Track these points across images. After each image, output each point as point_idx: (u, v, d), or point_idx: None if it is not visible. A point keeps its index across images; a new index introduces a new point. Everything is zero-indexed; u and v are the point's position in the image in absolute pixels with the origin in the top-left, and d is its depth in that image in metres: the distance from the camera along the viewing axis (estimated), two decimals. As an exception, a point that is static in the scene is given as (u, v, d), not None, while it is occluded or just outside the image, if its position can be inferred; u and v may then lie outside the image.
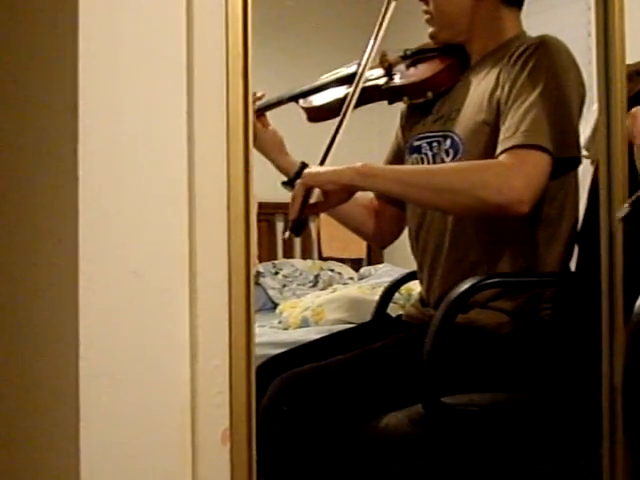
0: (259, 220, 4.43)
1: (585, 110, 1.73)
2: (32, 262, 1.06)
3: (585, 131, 2.29)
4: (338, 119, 1.80)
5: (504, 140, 1.60)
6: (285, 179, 1.92)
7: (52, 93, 1.02)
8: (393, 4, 1.81)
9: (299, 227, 1.73)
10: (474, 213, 1.65)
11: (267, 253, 4.69)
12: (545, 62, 1.63)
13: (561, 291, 1.73)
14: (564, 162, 1.62)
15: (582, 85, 1.68)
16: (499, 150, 1.60)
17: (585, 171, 2.14)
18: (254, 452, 1.08)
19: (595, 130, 2.03)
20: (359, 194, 1.84)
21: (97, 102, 0.97)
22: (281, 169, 1.96)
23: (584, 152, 2.29)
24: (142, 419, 0.99)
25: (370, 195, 2.03)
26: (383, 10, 1.83)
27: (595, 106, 1.59)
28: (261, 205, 4.11)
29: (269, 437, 1.51)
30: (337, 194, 1.70)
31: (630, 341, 1.29)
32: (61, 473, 0.99)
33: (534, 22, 1.70)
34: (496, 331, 1.66)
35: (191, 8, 1.03)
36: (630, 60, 1.44)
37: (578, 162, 1.67)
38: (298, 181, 1.71)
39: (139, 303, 0.99)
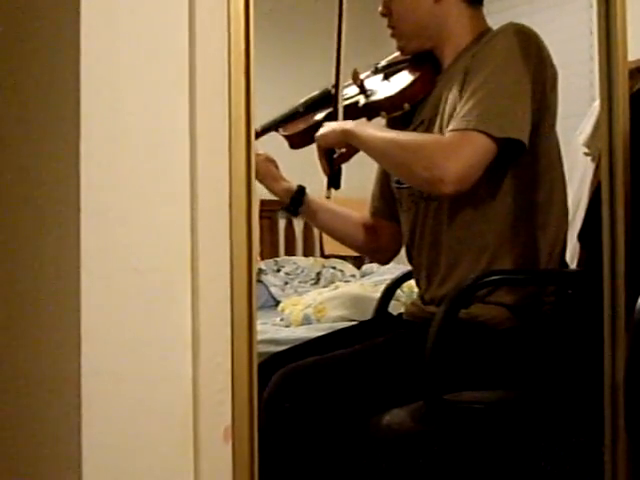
0: (261, 217, 4.44)
1: (586, 107, 1.72)
2: (34, 259, 1.06)
3: (586, 129, 2.29)
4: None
5: (451, 122, 1.64)
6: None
7: (54, 93, 1.02)
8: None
9: (336, 180, 1.85)
10: (413, 185, 1.76)
11: (269, 250, 4.70)
12: (497, 47, 1.66)
13: (563, 287, 1.73)
14: (512, 145, 1.62)
15: (543, 65, 1.67)
16: (446, 130, 1.64)
17: (586, 169, 2.14)
18: (256, 449, 1.08)
19: (596, 127, 2.03)
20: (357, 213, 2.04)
21: (99, 103, 0.97)
22: (277, 195, 1.98)
23: (585, 149, 2.29)
24: (144, 416, 0.99)
25: (366, 214, 2.05)
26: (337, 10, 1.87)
27: (597, 103, 1.59)
28: (263, 202, 4.11)
29: (270, 433, 1.51)
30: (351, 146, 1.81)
31: (632, 338, 1.29)
32: (63, 470, 0.99)
33: (536, 20, 1.71)
34: (498, 326, 1.66)
35: (193, 7, 1.03)
36: (632, 57, 1.44)
37: (523, 147, 1.66)
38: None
39: (141, 300, 0.99)
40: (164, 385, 1.01)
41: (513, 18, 1.88)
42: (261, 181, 1.94)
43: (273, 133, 2.03)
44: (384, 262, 2.17)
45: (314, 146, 1.87)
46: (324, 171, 1.85)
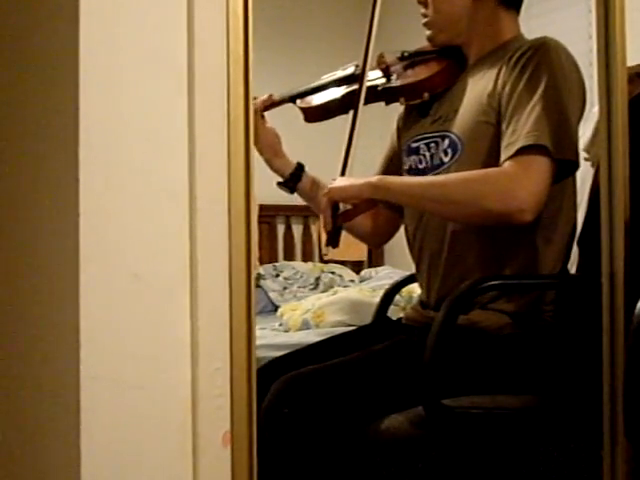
0: (260, 222, 4.44)
1: (585, 112, 1.73)
2: (33, 264, 1.06)
3: (585, 133, 2.29)
4: (348, 127, 1.84)
5: (508, 146, 1.60)
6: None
7: (53, 96, 1.02)
8: None
9: (335, 237, 1.79)
10: (479, 222, 1.67)
11: (268, 255, 4.69)
12: (545, 65, 1.64)
13: (562, 293, 1.73)
14: (563, 165, 1.63)
15: (582, 87, 1.69)
16: (503, 157, 1.60)
17: (586, 174, 2.14)
18: (255, 454, 1.08)
19: (596, 132, 2.03)
20: None
21: (98, 105, 0.97)
22: (276, 170, 1.98)
23: (584, 154, 2.29)
24: (143, 422, 0.99)
25: None
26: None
27: (596, 108, 1.59)
28: (262, 207, 4.12)
29: (270, 439, 1.51)
30: (364, 203, 1.77)
31: (631, 343, 1.29)
32: (62, 476, 0.99)
33: (535, 24, 1.71)
34: (497, 332, 1.66)
35: (192, 10, 1.03)
36: (631, 62, 1.44)
37: (576, 167, 1.67)
38: (323, 195, 1.80)
39: (140, 305, 0.99)
40: (163, 390, 1.01)
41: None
42: (262, 153, 1.94)
43: (279, 109, 2.02)
44: (376, 246, 2.17)
45: (313, 140, 1.86)
46: (325, 226, 1.80)
